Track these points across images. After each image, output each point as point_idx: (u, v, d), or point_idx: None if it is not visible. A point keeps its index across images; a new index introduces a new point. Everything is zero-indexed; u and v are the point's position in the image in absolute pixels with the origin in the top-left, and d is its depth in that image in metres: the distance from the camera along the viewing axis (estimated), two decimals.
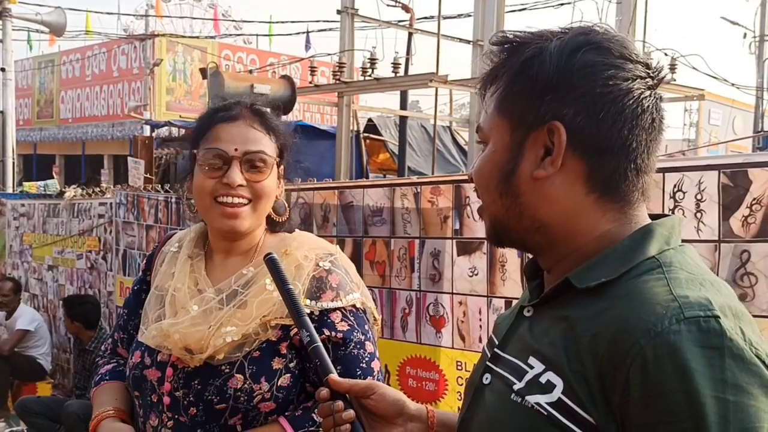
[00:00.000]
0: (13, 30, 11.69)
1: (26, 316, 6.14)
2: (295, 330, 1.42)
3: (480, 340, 2.71)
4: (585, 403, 0.83)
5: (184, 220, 4.40)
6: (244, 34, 19.25)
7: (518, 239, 1.00)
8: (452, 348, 2.81)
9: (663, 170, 2.13)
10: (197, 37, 18.48)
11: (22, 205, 7.05)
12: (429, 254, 2.88)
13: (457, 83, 7.18)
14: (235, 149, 1.48)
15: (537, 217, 0.95)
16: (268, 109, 1.60)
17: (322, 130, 9.89)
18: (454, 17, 11.80)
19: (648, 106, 0.92)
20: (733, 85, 13.43)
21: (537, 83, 0.92)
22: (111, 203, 5.41)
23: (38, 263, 6.69)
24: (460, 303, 2.78)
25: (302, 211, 3.33)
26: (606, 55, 0.91)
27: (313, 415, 1.43)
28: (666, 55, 8.10)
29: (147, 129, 12.40)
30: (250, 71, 12.31)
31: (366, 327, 1.50)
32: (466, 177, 2.53)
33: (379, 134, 9.93)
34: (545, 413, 0.86)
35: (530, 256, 1.05)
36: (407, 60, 8.72)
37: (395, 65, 7.81)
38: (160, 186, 4.92)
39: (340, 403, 1.11)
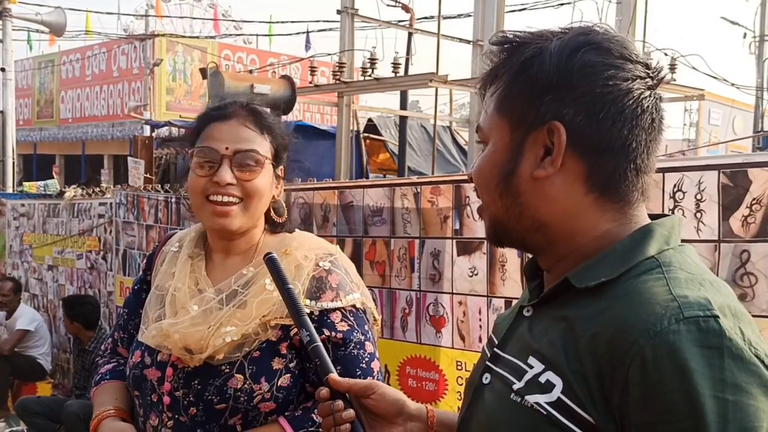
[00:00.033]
0: (13, 30, 11.69)
1: (26, 316, 6.14)
2: (295, 330, 1.42)
3: (480, 340, 2.71)
4: (584, 403, 0.83)
5: (184, 220, 4.40)
6: (244, 34, 19.27)
7: (518, 239, 1.00)
8: (452, 348, 2.82)
9: (663, 170, 2.13)
10: (197, 37, 18.49)
11: (22, 205, 7.05)
12: (429, 254, 2.88)
13: (457, 83, 7.18)
14: (226, 148, 1.48)
15: (537, 216, 0.95)
16: (267, 109, 1.60)
17: (322, 130, 9.90)
18: (454, 17, 11.80)
19: (648, 106, 0.92)
20: (733, 85, 13.44)
21: (537, 83, 0.92)
22: (111, 203, 5.41)
23: (38, 263, 6.70)
24: (460, 303, 2.78)
25: (302, 211, 3.33)
26: (606, 55, 0.92)
27: (313, 415, 1.43)
28: (666, 55, 8.10)
29: (147, 129, 12.39)
30: (250, 71, 12.31)
31: (366, 327, 1.50)
32: (466, 177, 2.53)
33: (379, 134, 9.93)
34: (545, 413, 0.86)
35: (530, 256, 1.05)
36: (407, 60, 8.72)
37: (395, 65, 7.81)
38: (160, 186, 4.92)
39: (340, 403, 1.11)
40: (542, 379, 0.88)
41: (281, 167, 1.59)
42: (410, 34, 9.04)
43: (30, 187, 10.14)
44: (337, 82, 7.64)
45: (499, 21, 6.82)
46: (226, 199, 1.48)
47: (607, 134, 0.91)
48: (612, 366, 0.81)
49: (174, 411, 1.45)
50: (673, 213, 1.79)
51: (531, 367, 0.90)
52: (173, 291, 1.53)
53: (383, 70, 7.68)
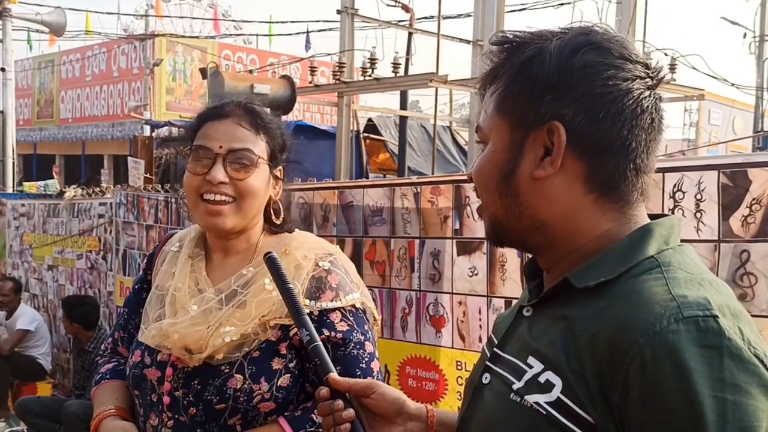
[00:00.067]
0: (13, 30, 11.69)
1: (26, 316, 6.14)
2: (295, 330, 1.42)
3: (480, 340, 2.71)
4: (584, 403, 0.83)
5: (184, 220, 4.40)
6: (244, 34, 19.27)
7: (518, 239, 1.00)
8: (452, 348, 2.82)
9: (663, 170, 2.13)
10: (197, 37, 18.48)
11: (22, 205, 7.06)
12: (429, 254, 2.89)
13: (457, 83, 7.18)
14: (220, 146, 1.48)
15: (536, 216, 0.95)
16: (267, 109, 1.59)
17: (322, 130, 9.90)
18: (454, 17, 11.80)
19: (647, 106, 0.92)
20: (733, 85, 13.44)
21: (537, 83, 0.92)
22: (111, 203, 5.41)
23: (38, 263, 6.70)
24: (460, 303, 2.78)
25: (302, 211, 3.33)
26: (606, 55, 0.92)
27: (313, 415, 1.43)
28: (666, 55, 8.10)
29: (147, 129, 12.39)
30: (250, 71, 12.32)
31: (365, 327, 1.50)
32: (465, 177, 2.53)
33: (379, 134, 9.93)
34: (544, 413, 0.86)
35: (530, 255, 1.05)
36: (407, 60, 8.72)
37: (395, 65, 7.81)
38: (160, 186, 4.92)
39: (339, 402, 1.11)
40: (542, 378, 0.88)
41: (280, 168, 1.59)
42: (410, 34, 9.04)
43: (30, 187, 10.15)
44: (337, 82, 7.64)
45: (499, 21, 6.81)
46: (219, 197, 1.48)
47: (607, 134, 0.91)
48: (612, 365, 0.81)
49: (174, 411, 1.45)
50: (672, 213, 1.79)
51: (531, 366, 0.90)
52: (173, 291, 1.53)
53: (383, 70, 7.69)
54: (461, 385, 2.75)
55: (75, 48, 19.35)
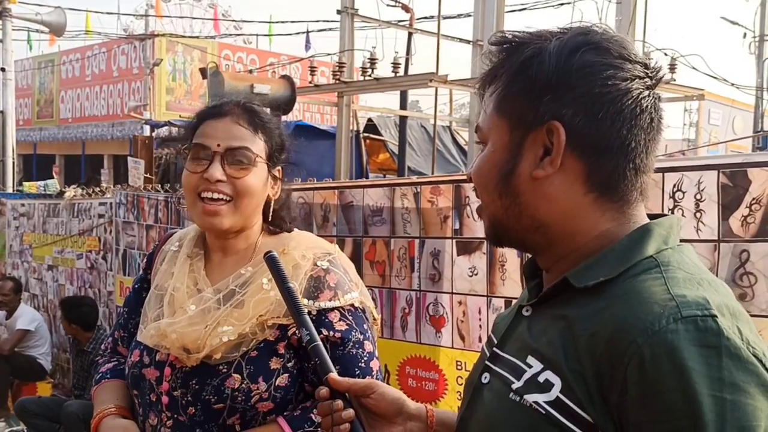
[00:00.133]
0: (13, 30, 11.69)
1: (26, 316, 6.14)
2: (293, 330, 1.42)
3: (480, 340, 2.71)
4: (583, 402, 0.83)
5: (183, 219, 4.40)
6: (244, 34, 19.27)
7: (517, 239, 1.00)
8: (452, 348, 2.82)
9: (662, 170, 2.13)
10: (197, 37, 18.48)
11: (22, 205, 7.06)
12: (429, 254, 2.89)
13: (457, 83, 7.18)
14: (218, 144, 1.48)
15: (536, 216, 0.96)
16: (267, 109, 1.59)
17: (322, 130, 9.89)
18: (454, 17, 11.81)
19: (647, 105, 0.92)
20: (733, 85, 13.44)
21: (536, 83, 0.92)
22: (111, 203, 5.41)
23: (38, 263, 6.70)
24: (460, 303, 2.78)
25: (302, 211, 3.33)
26: (605, 55, 0.92)
27: (312, 415, 1.42)
28: (666, 55, 8.10)
29: (147, 129, 12.38)
30: (250, 71, 12.32)
31: (365, 326, 1.50)
32: (465, 177, 2.53)
33: (379, 134, 9.93)
34: (543, 412, 0.86)
35: (529, 255, 1.05)
36: (407, 60, 8.72)
37: (395, 65, 7.81)
38: (160, 186, 4.92)
39: (339, 402, 1.11)
40: (541, 378, 0.88)
41: (279, 168, 1.59)
42: (410, 34, 9.04)
43: (30, 187, 10.13)
44: (337, 82, 7.64)
45: (499, 21, 6.82)
46: (216, 196, 1.48)
47: (606, 134, 0.91)
48: (611, 365, 0.81)
49: (173, 410, 1.45)
50: (672, 213, 1.80)
51: (530, 366, 0.91)
52: (172, 291, 1.53)
53: (383, 70, 7.69)
54: (461, 385, 2.75)
55: (75, 48, 19.36)
